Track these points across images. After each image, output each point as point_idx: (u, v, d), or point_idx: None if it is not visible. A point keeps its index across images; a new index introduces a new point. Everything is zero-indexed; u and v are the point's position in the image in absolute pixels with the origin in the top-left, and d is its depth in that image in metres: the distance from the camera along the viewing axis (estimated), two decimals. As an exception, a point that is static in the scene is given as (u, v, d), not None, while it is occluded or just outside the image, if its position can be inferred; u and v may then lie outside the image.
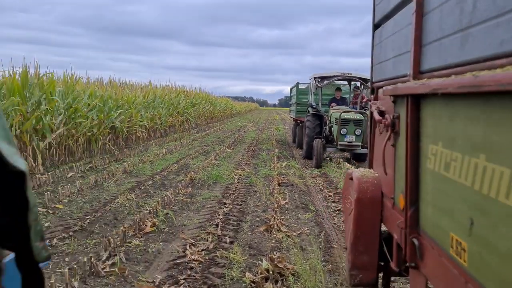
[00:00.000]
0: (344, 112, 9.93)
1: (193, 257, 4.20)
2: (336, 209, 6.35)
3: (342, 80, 12.06)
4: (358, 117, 9.89)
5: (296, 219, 5.73)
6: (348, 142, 9.85)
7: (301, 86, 15.21)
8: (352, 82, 12.20)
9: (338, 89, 12.08)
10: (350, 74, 10.78)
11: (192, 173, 8.53)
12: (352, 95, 12.68)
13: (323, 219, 5.81)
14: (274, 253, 4.26)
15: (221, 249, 4.44)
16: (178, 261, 4.13)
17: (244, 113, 57.50)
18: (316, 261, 3.87)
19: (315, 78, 10.98)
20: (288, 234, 4.96)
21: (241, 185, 7.88)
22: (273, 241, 4.72)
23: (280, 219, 5.47)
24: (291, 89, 17.72)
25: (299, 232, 5.09)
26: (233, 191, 7.34)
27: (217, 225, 5.27)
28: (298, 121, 14.47)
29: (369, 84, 9.62)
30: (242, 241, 4.77)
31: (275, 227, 5.13)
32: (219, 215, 5.74)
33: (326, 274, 3.84)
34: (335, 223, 5.59)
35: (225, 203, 6.43)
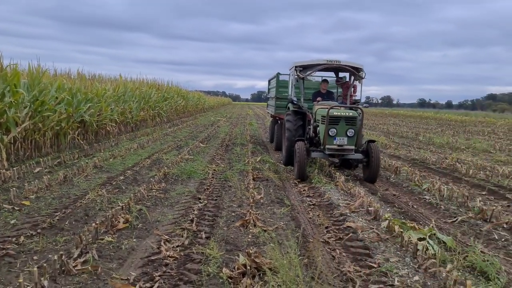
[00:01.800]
0: (333, 108, 7.91)
1: (168, 253, 4.11)
2: (311, 203, 6.37)
3: (328, 70, 9.99)
4: (350, 114, 7.85)
5: (272, 214, 5.71)
6: (339, 146, 7.84)
7: (282, 78, 13.06)
8: (340, 74, 10.26)
9: (325, 80, 10.22)
10: (338, 62, 8.79)
11: (165, 168, 8.38)
12: (340, 89, 10.81)
13: (298, 213, 5.81)
14: (251, 248, 4.22)
15: (197, 245, 4.37)
16: (152, 258, 4.03)
17: (217, 107, 57.14)
18: (293, 255, 3.86)
19: (295, 67, 9.09)
20: (265, 229, 4.94)
21: (216, 180, 7.81)
22: (250, 236, 4.69)
23: (256, 214, 5.44)
24: (269, 81, 15.38)
25: (275, 227, 5.08)
26: (208, 186, 7.25)
27: (192, 220, 5.18)
28: (277, 118, 12.83)
29: (362, 74, 8.92)
30: (218, 236, 4.71)
31: (251, 222, 5.09)
32: (194, 210, 5.66)
33: (303, 268, 3.84)
34: (310, 217, 5.60)
35: (199, 199, 6.34)
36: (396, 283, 3.68)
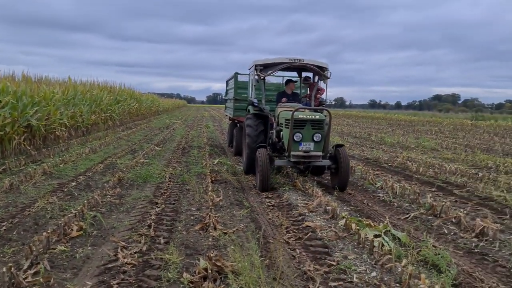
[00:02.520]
0: (298, 110, 7.26)
1: (125, 260, 3.99)
2: (270, 204, 6.40)
3: (291, 70, 9.42)
4: (317, 116, 7.26)
5: (231, 216, 5.68)
6: (305, 152, 7.18)
7: (240, 78, 12.30)
8: (304, 73, 9.61)
9: (290, 80, 9.44)
10: (302, 61, 8.15)
11: (119, 172, 8.14)
12: (303, 91, 10.49)
13: (258, 215, 5.82)
14: (212, 251, 4.17)
15: (155, 251, 4.27)
16: (109, 266, 3.90)
17: (172, 110, 56.27)
18: (255, 257, 3.85)
19: (255, 66, 8.37)
20: (225, 231, 4.90)
21: (173, 184, 7.67)
22: (210, 240, 4.63)
23: (216, 216, 5.39)
24: (227, 82, 14.55)
25: (235, 229, 5.06)
26: (165, 190, 7.11)
27: (149, 226, 5.06)
28: (236, 121, 12.30)
29: (327, 73, 8.36)
30: (178, 241, 4.63)
31: (211, 225, 5.04)
32: (151, 215, 5.52)
33: (264, 269, 3.84)
34: (270, 218, 5.63)
35: (157, 203, 6.20)
36: (354, 279, 3.76)
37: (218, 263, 3.75)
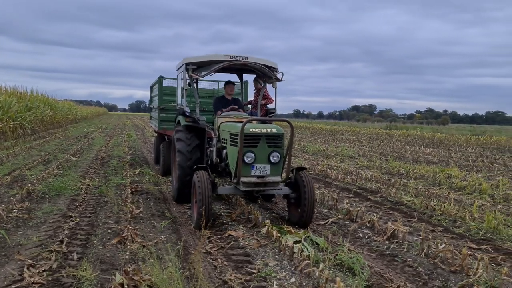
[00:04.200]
0: (249, 121, 5.57)
1: (32, 279, 3.68)
2: (192, 214, 6.30)
3: (230, 71, 7.77)
4: (274, 130, 5.63)
5: (152, 228, 5.50)
6: (259, 177, 5.52)
7: (166, 83, 10.36)
8: (245, 76, 8.29)
9: (230, 83, 7.62)
10: (246, 58, 6.50)
11: (29, 185, 7.54)
12: (243, 96, 9.25)
13: (180, 225, 5.70)
14: (129, 265, 4.00)
15: (67, 267, 3.99)
16: (13, 286, 3.57)
17: (91, 118, 53.57)
18: (173, 269, 3.75)
19: (186, 65, 6.62)
20: (144, 244, 4.73)
21: (90, 196, 7.26)
22: (128, 253, 4.43)
23: (135, 229, 5.18)
24: (151, 88, 12.54)
25: (155, 241, 4.90)
26: (81, 202, 6.71)
27: (61, 241, 4.72)
28: (164, 135, 10.41)
29: (280, 75, 6.69)
30: (92, 256, 4.37)
31: (129, 238, 4.83)
32: (64, 230, 5.17)
33: (184, 281, 3.76)
34: (192, 229, 5.54)
35: (71, 217, 5.82)
36: (274, 286, 3.81)
37: (136, 277, 3.60)
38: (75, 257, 4.30)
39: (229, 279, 3.88)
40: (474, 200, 7.74)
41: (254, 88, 7.84)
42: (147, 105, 14.94)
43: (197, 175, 5.50)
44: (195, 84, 7.18)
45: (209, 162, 6.73)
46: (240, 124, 5.49)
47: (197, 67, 6.68)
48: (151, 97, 12.64)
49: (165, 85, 10.40)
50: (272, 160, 5.56)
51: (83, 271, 3.86)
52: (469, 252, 4.76)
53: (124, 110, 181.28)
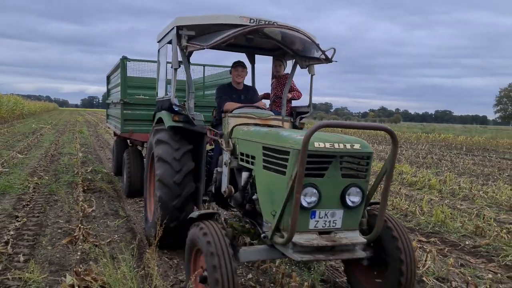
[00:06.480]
0: (319, 128, 2.60)
1: (-27, 284, 3.46)
2: (148, 212, 6.16)
3: (235, 48, 5.23)
4: (357, 147, 3.01)
5: (105, 227, 5.33)
6: (324, 235, 2.96)
7: (132, 69, 7.62)
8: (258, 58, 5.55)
9: (239, 64, 4.90)
10: (274, 24, 4.10)
11: (-30, 184, 7.09)
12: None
13: (134, 224, 5.56)
14: (80, 266, 3.85)
15: (12, 270, 3.79)
16: (-49, 293, 3.34)
17: (40, 113, 51.15)
18: (128, 269, 3.65)
19: (178, 29, 4.15)
20: (96, 243, 4.57)
21: (38, 195, 6.93)
22: (79, 253, 4.27)
23: (87, 228, 5.00)
24: (108, 78, 9.60)
25: (108, 241, 4.75)
26: (28, 201, 6.38)
27: (7, 242, 4.48)
28: (128, 139, 7.91)
29: (330, 52, 4.22)
30: (41, 257, 4.18)
31: (81, 237, 4.66)
32: (9, 230, 4.90)
33: (139, 280, 3.67)
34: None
35: (17, 217, 5.53)
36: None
37: (87, 278, 3.47)
38: (22, 258, 4.09)
39: (185, 278, 3.82)
40: (423, 195, 8.08)
41: (272, 75, 5.57)
42: (102, 101, 13.01)
43: (202, 229, 2.93)
44: (187, 62, 4.53)
45: (211, 192, 4.43)
46: (286, 133, 3.24)
47: (196, 35, 4.18)
48: (109, 90, 9.64)
49: (130, 75, 7.53)
50: (350, 203, 3.01)
51: (30, 273, 3.67)
52: (419, 245, 4.97)
53: (76, 106, 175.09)
